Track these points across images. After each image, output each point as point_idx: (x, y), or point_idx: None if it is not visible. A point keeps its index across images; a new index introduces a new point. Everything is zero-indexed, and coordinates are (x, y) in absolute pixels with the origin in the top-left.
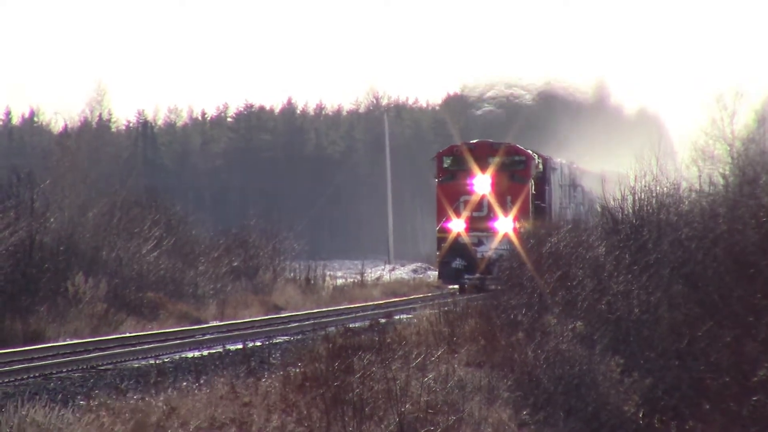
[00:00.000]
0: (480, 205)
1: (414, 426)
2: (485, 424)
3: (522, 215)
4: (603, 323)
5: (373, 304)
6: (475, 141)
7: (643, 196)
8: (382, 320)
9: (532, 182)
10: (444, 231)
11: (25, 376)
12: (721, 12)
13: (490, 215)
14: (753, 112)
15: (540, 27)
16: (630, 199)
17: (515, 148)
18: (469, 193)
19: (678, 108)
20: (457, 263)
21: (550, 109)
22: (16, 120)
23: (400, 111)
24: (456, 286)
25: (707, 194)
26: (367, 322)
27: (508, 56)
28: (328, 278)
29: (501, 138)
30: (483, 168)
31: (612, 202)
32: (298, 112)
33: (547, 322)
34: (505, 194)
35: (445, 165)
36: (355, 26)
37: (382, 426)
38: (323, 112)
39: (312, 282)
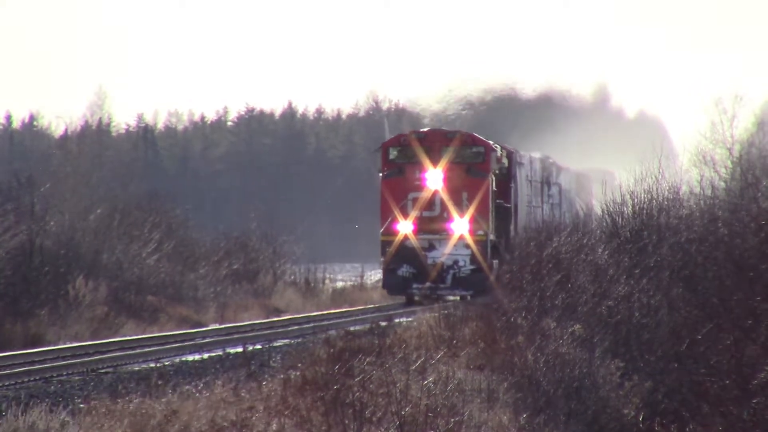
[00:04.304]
0: (431, 203)
1: (414, 429)
2: (485, 427)
3: (481, 215)
4: (603, 326)
5: (373, 307)
6: (425, 129)
7: (643, 200)
8: (383, 323)
9: (492, 177)
10: (389, 233)
11: (25, 380)
12: (721, 15)
13: (443, 215)
14: (753, 115)
15: (541, 31)
16: (630, 202)
17: (472, 138)
18: (419, 189)
19: (678, 111)
20: (404, 270)
21: (549, 109)
22: (16, 124)
23: (400, 115)
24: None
25: (708, 198)
26: (367, 325)
27: (508, 59)
28: (328, 281)
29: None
30: (435, 160)
31: (601, 205)
32: (298, 116)
33: (546, 325)
34: (460, 191)
35: (391, 157)
36: (355, 30)
37: (382, 429)
38: (323, 117)
39: (312, 285)
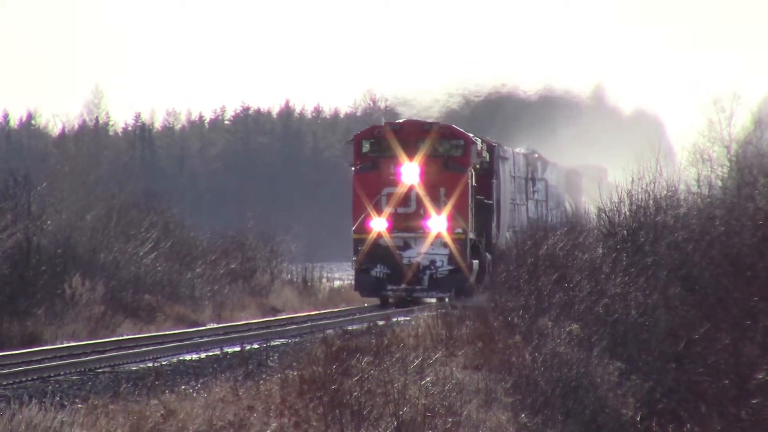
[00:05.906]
0: (407, 199)
1: (412, 429)
2: (483, 427)
3: (459, 212)
4: (601, 326)
5: (370, 306)
6: (401, 121)
7: (640, 198)
8: (380, 322)
9: (472, 172)
10: (362, 231)
11: (22, 379)
12: (721, 15)
13: (419, 212)
14: (750, 114)
15: (540, 29)
16: (627, 201)
17: (451, 130)
18: (394, 184)
19: (676, 110)
20: (378, 271)
21: (546, 107)
22: (13, 123)
23: (397, 114)
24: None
25: (705, 196)
26: (365, 325)
27: (507, 58)
28: (325, 280)
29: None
30: (411, 154)
31: (596, 203)
32: (296, 115)
33: (544, 324)
34: (437, 186)
35: (365, 150)
36: (354, 28)
37: (380, 429)
38: (320, 115)
39: (309, 284)
